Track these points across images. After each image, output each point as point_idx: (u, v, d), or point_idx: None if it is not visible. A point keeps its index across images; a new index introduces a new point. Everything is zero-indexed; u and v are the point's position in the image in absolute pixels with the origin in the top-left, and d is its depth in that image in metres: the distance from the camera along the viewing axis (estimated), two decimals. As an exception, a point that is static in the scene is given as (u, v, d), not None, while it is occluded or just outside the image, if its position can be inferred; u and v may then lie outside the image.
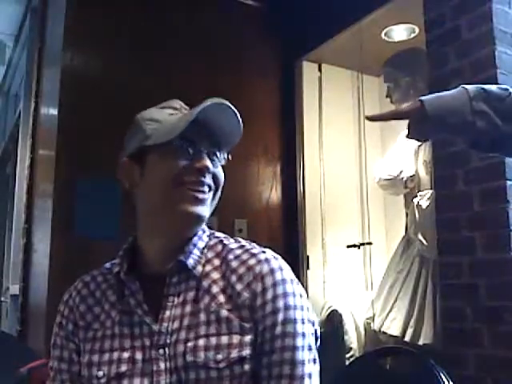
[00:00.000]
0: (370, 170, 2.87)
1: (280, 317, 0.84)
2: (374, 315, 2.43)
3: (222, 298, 0.87)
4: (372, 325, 2.43)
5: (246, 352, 0.83)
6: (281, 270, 0.88)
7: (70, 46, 2.44)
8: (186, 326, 0.86)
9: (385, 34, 2.75)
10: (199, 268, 0.90)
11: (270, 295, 0.85)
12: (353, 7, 2.52)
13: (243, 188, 2.73)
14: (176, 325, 0.86)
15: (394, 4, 2.38)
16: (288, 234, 2.83)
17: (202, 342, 0.84)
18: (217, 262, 0.91)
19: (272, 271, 0.87)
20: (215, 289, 0.88)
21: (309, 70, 3.01)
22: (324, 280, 2.84)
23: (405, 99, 2.58)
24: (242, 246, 0.92)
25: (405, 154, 2.60)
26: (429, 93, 2.03)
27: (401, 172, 2.59)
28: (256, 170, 2.81)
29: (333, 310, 2.67)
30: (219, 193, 0.94)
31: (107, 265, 1.02)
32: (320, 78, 3.05)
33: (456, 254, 1.86)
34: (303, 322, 0.85)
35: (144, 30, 2.59)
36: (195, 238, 0.92)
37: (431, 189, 2.27)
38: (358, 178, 2.93)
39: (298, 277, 0.97)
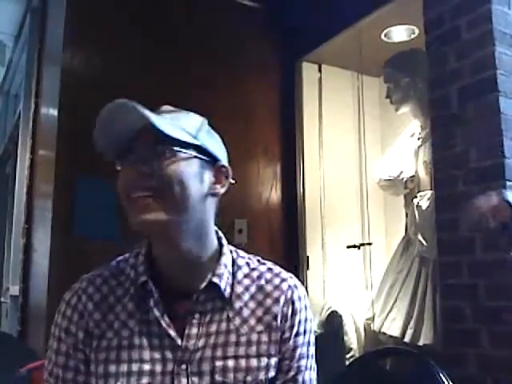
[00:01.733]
0: (370, 170, 2.87)
1: (301, 340, 0.92)
2: (373, 316, 2.44)
3: (253, 321, 0.89)
4: (372, 325, 2.43)
5: (272, 374, 0.88)
6: (305, 297, 0.95)
7: (70, 46, 2.44)
8: (213, 344, 0.87)
9: (385, 35, 2.75)
10: (228, 289, 0.90)
11: (297, 319, 0.92)
12: (353, 8, 2.52)
13: (243, 188, 2.73)
14: (202, 343, 0.87)
15: (394, 5, 2.38)
16: (288, 234, 2.83)
17: (231, 362, 0.86)
18: (247, 284, 0.92)
19: (300, 298, 0.93)
20: (246, 311, 0.90)
21: (309, 70, 3.02)
22: (324, 280, 2.84)
23: (405, 100, 2.59)
24: (271, 270, 0.95)
25: (405, 155, 2.61)
26: (429, 93, 2.02)
27: (401, 172, 2.59)
28: (256, 170, 2.81)
29: (333, 311, 2.67)
30: (176, 193, 0.85)
31: (116, 264, 0.99)
32: (320, 79, 3.05)
33: (456, 254, 1.86)
34: (313, 344, 0.95)
35: (144, 30, 2.59)
36: (223, 258, 0.92)
37: (431, 189, 2.28)
38: (358, 178, 2.94)
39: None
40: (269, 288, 0.92)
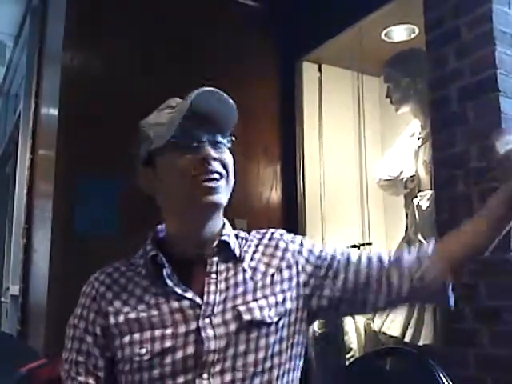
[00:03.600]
0: (370, 170, 2.87)
1: (314, 248, 1.05)
2: (373, 316, 2.43)
3: (263, 268, 1.00)
4: (372, 325, 2.43)
5: (289, 306, 0.97)
6: (293, 235, 1.10)
7: (70, 46, 2.44)
8: (232, 296, 0.95)
9: (385, 35, 2.75)
10: (237, 248, 1.00)
11: (300, 244, 1.06)
12: (353, 7, 2.52)
13: (243, 188, 2.73)
14: (222, 297, 0.94)
15: (394, 4, 2.38)
16: (288, 235, 2.83)
17: (253, 304, 0.94)
18: (248, 242, 1.04)
19: (291, 236, 1.09)
20: (255, 262, 1.00)
21: (309, 70, 3.02)
22: (324, 280, 2.83)
23: (405, 100, 2.59)
24: (259, 231, 1.08)
25: (405, 155, 2.60)
26: (429, 93, 2.03)
27: (401, 172, 2.59)
28: (256, 170, 2.81)
29: (333, 311, 2.67)
30: (232, 177, 0.99)
31: (126, 258, 1.06)
32: (320, 79, 3.05)
33: (456, 254, 1.86)
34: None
35: (144, 31, 2.59)
36: (227, 225, 1.03)
37: (431, 189, 2.28)
38: (358, 178, 2.93)
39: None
40: (266, 241, 1.05)
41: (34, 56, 3.07)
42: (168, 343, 0.90)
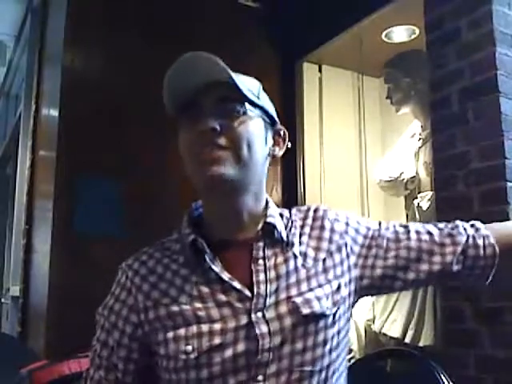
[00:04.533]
0: (371, 171, 2.87)
1: (361, 227, 0.96)
2: (374, 317, 2.43)
3: (313, 253, 0.90)
4: (372, 326, 2.42)
5: (345, 292, 0.90)
6: (336, 212, 1.00)
7: (70, 46, 2.44)
8: (286, 285, 0.86)
9: (385, 36, 2.75)
10: (283, 231, 0.90)
11: (346, 223, 0.96)
12: (353, 8, 2.52)
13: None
14: (274, 286, 0.85)
15: (394, 5, 2.38)
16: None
17: (309, 295, 0.86)
18: (294, 224, 0.94)
19: (335, 213, 0.98)
20: (304, 247, 0.91)
21: (309, 71, 3.02)
22: (324, 281, 2.83)
23: (405, 100, 2.59)
24: (300, 209, 1.00)
25: (405, 156, 2.60)
26: (429, 93, 2.02)
27: (401, 173, 2.59)
28: (256, 170, 2.81)
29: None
30: (246, 150, 0.86)
31: (159, 243, 0.98)
32: (320, 79, 3.05)
33: (456, 255, 1.86)
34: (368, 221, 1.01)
35: (144, 31, 2.59)
36: (271, 204, 0.94)
37: (432, 190, 2.28)
38: (359, 178, 2.93)
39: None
40: (310, 221, 0.95)
41: (34, 56, 3.07)
42: (217, 340, 0.81)
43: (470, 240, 0.94)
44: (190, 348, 0.81)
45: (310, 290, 0.86)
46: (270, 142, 0.93)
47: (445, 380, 1.18)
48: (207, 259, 0.86)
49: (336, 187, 2.96)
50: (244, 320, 0.82)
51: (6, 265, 4.07)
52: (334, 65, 3.05)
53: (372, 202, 2.86)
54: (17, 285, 2.97)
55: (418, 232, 0.95)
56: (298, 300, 0.84)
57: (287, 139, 0.97)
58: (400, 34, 2.74)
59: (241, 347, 0.81)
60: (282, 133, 0.96)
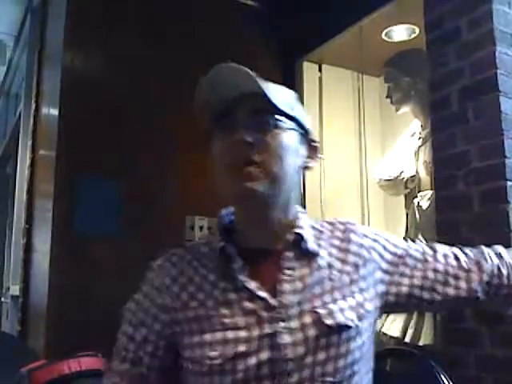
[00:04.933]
0: (371, 170, 2.87)
1: (388, 244, 0.97)
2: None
3: (339, 265, 0.91)
4: (372, 325, 2.42)
5: (370, 306, 0.90)
6: (365, 226, 1.01)
7: (70, 46, 2.44)
8: (310, 296, 0.87)
9: (385, 35, 2.75)
10: (311, 242, 0.91)
11: (374, 239, 0.96)
12: (353, 7, 2.52)
13: (243, 188, 2.73)
14: (298, 297, 0.86)
15: (395, 4, 2.38)
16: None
17: (333, 306, 0.86)
18: (322, 236, 0.94)
19: (364, 228, 0.98)
20: (330, 259, 0.91)
21: (309, 70, 3.02)
22: (324, 280, 2.83)
23: (405, 100, 2.59)
24: (332, 222, 0.99)
25: (405, 155, 2.60)
26: (429, 93, 2.02)
27: (401, 173, 2.59)
28: (256, 170, 2.81)
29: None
30: (279, 164, 0.86)
31: (189, 245, 0.99)
32: (320, 79, 3.05)
33: (456, 254, 1.86)
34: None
35: (144, 31, 2.59)
36: (302, 215, 0.95)
37: (431, 189, 2.27)
38: (359, 178, 2.93)
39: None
40: (339, 233, 0.95)
41: (34, 56, 3.06)
42: (242, 347, 0.82)
43: (495, 269, 0.96)
44: (215, 354, 0.83)
45: (335, 301, 0.87)
46: (303, 153, 0.93)
47: (445, 380, 1.18)
48: (235, 267, 0.87)
49: (336, 187, 2.96)
50: (268, 329, 0.84)
51: (6, 264, 4.08)
52: (334, 64, 3.06)
53: (372, 202, 2.85)
54: (17, 284, 2.97)
55: (445, 256, 0.97)
56: (322, 311, 0.85)
57: (319, 151, 0.97)
58: (400, 33, 2.74)
59: (264, 356, 0.82)
60: (315, 144, 0.96)
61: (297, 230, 0.90)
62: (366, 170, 2.91)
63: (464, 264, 0.96)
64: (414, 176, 2.52)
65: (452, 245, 1.01)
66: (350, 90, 3.03)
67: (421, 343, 2.17)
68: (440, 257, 0.96)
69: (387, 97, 2.68)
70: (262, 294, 0.85)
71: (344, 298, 0.88)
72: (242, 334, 0.83)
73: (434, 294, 0.94)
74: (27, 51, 3.48)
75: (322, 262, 0.90)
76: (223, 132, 0.87)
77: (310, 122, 0.96)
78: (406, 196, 2.64)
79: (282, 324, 0.84)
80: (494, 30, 1.82)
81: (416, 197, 2.46)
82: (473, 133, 1.85)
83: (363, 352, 0.88)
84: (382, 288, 0.93)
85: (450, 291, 0.94)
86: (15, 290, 3.07)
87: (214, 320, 0.85)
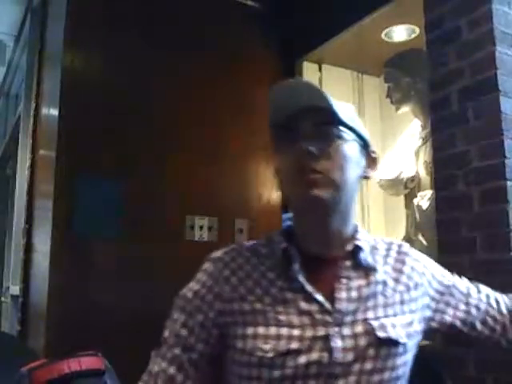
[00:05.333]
0: (371, 170, 2.86)
1: (437, 271, 1.04)
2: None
3: (392, 284, 0.95)
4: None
5: (417, 327, 0.95)
6: (419, 252, 1.05)
7: (70, 46, 2.44)
8: (364, 307, 0.90)
9: (385, 35, 2.75)
10: (369, 257, 0.95)
11: (425, 266, 1.02)
12: (353, 7, 2.52)
13: (243, 188, 2.73)
14: (353, 306, 0.90)
15: (394, 4, 2.37)
16: (288, 235, 2.83)
17: (385, 321, 0.90)
18: (379, 253, 0.98)
19: (418, 254, 1.03)
20: (385, 276, 0.95)
21: (309, 70, 3.01)
22: (324, 280, 2.83)
23: (405, 100, 2.59)
24: (389, 241, 1.03)
25: (405, 155, 2.60)
26: (429, 93, 2.02)
27: (401, 173, 2.59)
28: (256, 169, 2.81)
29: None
30: (342, 173, 0.90)
31: (247, 244, 1.01)
32: (320, 79, 3.05)
33: (456, 254, 1.86)
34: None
35: (144, 31, 2.59)
36: (360, 229, 0.99)
37: (431, 189, 2.27)
38: (359, 178, 2.93)
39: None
40: (394, 253, 0.99)
41: (34, 56, 3.07)
42: (294, 345, 0.85)
43: None
44: (267, 347, 0.86)
45: (386, 316, 0.91)
46: (363, 163, 0.97)
47: (445, 379, 1.18)
48: (295, 268, 0.91)
49: (336, 187, 2.95)
50: (321, 331, 0.87)
51: (6, 264, 4.08)
52: (334, 64, 3.05)
53: (372, 202, 2.85)
54: (17, 284, 2.97)
55: (487, 296, 1.03)
56: (374, 323, 0.89)
57: (379, 161, 1.01)
58: (400, 34, 2.74)
59: (314, 356, 0.85)
60: (374, 155, 1.00)
61: (356, 242, 0.94)
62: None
63: (503, 309, 1.02)
64: (414, 176, 2.52)
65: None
66: (350, 90, 3.03)
67: (420, 343, 2.17)
68: (483, 296, 1.03)
69: (387, 97, 2.68)
70: (319, 297, 0.89)
71: (395, 315, 0.92)
72: (296, 332, 0.86)
73: (471, 330, 1.00)
74: (27, 51, 3.48)
75: (377, 276, 0.94)
76: (288, 144, 0.92)
77: (367, 134, 0.99)
78: (406, 196, 2.64)
79: (335, 329, 0.87)
80: (494, 30, 1.82)
81: (416, 197, 2.46)
82: (473, 133, 1.85)
83: (406, 370, 0.92)
84: (427, 313, 0.98)
85: (486, 331, 1.00)
86: (15, 290, 3.07)
87: (269, 315, 0.88)
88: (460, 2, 1.94)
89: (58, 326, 2.17)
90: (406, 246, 1.03)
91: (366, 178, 0.98)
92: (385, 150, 3.02)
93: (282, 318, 0.88)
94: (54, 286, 2.20)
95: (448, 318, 0.99)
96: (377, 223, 2.96)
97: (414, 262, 1.00)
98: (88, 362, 0.91)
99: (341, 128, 0.91)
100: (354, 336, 0.87)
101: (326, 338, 0.86)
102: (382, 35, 2.74)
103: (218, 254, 0.98)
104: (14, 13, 3.62)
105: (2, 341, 2.18)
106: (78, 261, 2.26)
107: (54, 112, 2.45)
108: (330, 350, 0.85)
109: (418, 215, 2.39)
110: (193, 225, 2.52)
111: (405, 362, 0.91)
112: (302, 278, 0.90)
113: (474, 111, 1.86)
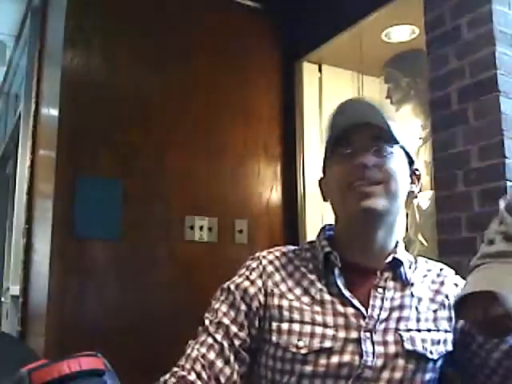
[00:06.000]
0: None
1: None
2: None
3: (427, 301, 0.97)
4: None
5: (450, 348, 0.95)
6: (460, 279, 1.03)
7: (70, 46, 2.44)
8: (396, 318, 0.93)
9: (385, 35, 2.75)
10: (407, 271, 0.98)
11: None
12: (353, 8, 2.52)
13: (243, 188, 2.73)
14: (385, 315, 0.92)
15: (394, 5, 2.37)
16: (289, 235, 2.83)
17: (415, 334, 0.92)
18: (418, 270, 1.01)
19: (459, 279, 1.03)
20: (421, 292, 0.97)
21: (309, 70, 3.02)
22: (324, 280, 2.83)
23: (405, 100, 2.59)
24: (429, 261, 1.06)
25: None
26: (429, 93, 2.02)
27: (401, 172, 2.59)
28: (256, 169, 2.81)
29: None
30: (394, 185, 0.95)
31: (289, 248, 1.06)
32: (320, 79, 3.05)
33: (456, 254, 1.86)
34: None
35: (144, 31, 2.59)
36: (400, 244, 1.01)
37: (431, 189, 2.27)
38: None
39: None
40: (434, 274, 1.02)
41: (34, 56, 3.06)
42: (327, 344, 0.89)
43: None
44: (301, 343, 0.89)
45: (418, 330, 0.93)
46: (409, 180, 1.01)
47: (445, 378, 1.18)
48: (335, 273, 0.95)
49: (336, 187, 2.95)
50: (354, 334, 0.90)
51: (6, 264, 4.08)
52: (334, 64, 3.05)
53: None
54: (17, 284, 2.97)
55: None
56: (405, 335, 0.91)
57: (421, 178, 1.05)
58: (400, 34, 2.74)
59: (346, 358, 0.88)
60: (417, 172, 1.04)
61: (396, 256, 0.97)
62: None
63: None
64: (414, 176, 2.52)
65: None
66: (350, 90, 3.03)
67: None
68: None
69: (387, 97, 2.68)
70: (355, 302, 0.92)
71: (428, 330, 0.93)
72: (329, 332, 0.90)
73: (493, 377, 0.92)
74: (27, 51, 3.48)
75: (414, 291, 0.96)
76: (342, 157, 0.96)
77: (412, 151, 1.05)
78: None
79: (367, 334, 0.90)
80: (494, 30, 1.82)
81: (416, 197, 2.46)
82: (473, 133, 1.85)
83: None
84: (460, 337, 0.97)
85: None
86: (15, 290, 3.07)
87: (306, 314, 0.92)
88: (460, 2, 1.94)
89: (58, 326, 2.17)
90: (448, 271, 1.05)
91: (411, 194, 1.01)
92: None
93: (318, 317, 0.91)
94: (53, 286, 2.20)
95: (475, 348, 0.93)
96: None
97: (452, 286, 1.00)
98: (88, 362, 0.90)
99: (394, 144, 0.96)
100: (384, 343, 0.90)
101: (358, 341, 0.89)
102: (382, 35, 2.75)
103: (263, 253, 1.03)
104: (14, 13, 3.62)
105: (1, 341, 2.17)
106: (77, 261, 2.26)
107: (54, 112, 2.45)
108: (360, 354, 0.88)
109: (417, 215, 2.39)
110: (193, 225, 2.52)
111: (432, 378, 0.92)
112: (340, 283, 0.94)
113: (474, 111, 1.86)
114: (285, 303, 0.94)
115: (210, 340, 0.93)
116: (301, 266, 0.99)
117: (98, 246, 2.32)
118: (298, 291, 0.95)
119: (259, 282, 0.97)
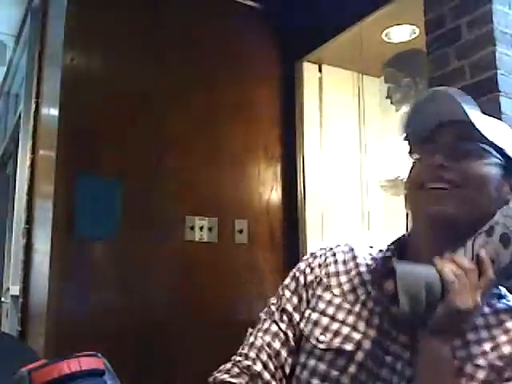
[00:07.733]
0: (371, 171, 2.87)
1: None
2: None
3: (476, 350, 0.81)
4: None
5: None
6: None
7: (70, 46, 2.44)
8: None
9: (385, 35, 2.75)
10: None
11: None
12: (353, 8, 2.52)
13: (243, 188, 2.73)
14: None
15: (395, 5, 2.38)
16: (289, 235, 2.83)
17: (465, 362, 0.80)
18: (487, 309, 0.85)
19: None
20: (473, 336, 0.82)
21: (309, 70, 3.02)
22: (324, 280, 2.83)
23: (405, 100, 2.59)
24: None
25: (405, 155, 2.60)
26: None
27: (401, 173, 2.59)
28: (256, 170, 2.81)
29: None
30: (471, 190, 0.82)
31: (355, 245, 1.02)
32: (320, 79, 3.05)
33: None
34: None
35: (144, 31, 2.59)
36: None
37: (431, 189, 2.27)
38: (359, 178, 2.93)
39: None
40: (509, 326, 0.83)
41: (34, 56, 3.06)
42: (348, 347, 0.84)
43: None
44: (322, 337, 0.86)
45: (464, 360, 0.80)
46: (506, 189, 0.86)
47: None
48: (387, 285, 0.86)
49: (336, 187, 2.96)
50: (380, 347, 0.83)
51: (6, 264, 4.08)
52: (334, 64, 3.05)
53: (372, 202, 2.85)
54: (17, 284, 2.97)
55: None
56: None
57: None
58: (400, 34, 2.74)
59: (365, 370, 0.82)
60: None
61: None
62: (366, 171, 2.91)
63: None
64: (414, 176, 2.52)
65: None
66: (350, 90, 3.03)
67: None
68: None
69: (387, 97, 2.68)
70: (394, 310, 0.83)
71: (477, 366, 0.79)
72: (356, 335, 0.85)
73: None
74: (27, 51, 3.48)
75: (477, 322, 0.82)
76: (423, 154, 0.89)
77: None
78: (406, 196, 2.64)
79: (397, 350, 0.82)
80: (494, 30, 1.82)
81: None
82: (473, 133, 1.85)
83: None
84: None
85: None
86: (15, 290, 3.07)
87: (340, 312, 0.88)
88: (460, 2, 1.94)
89: (58, 326, 2.17)
90: None
91: (506, 202, 0.85)
92: (385, 151, 3.02)
93: (351, 318, 0.87)
94: (53, 286, 2.20)
95: None
96: (377, 223, 2.96)
97: None
98: (88, 362, 0.90)
99: (480, 145, 0.84)
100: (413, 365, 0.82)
101: (388, 356, 0.82)
102: (383, 35, 2.75)
103: (332, 246, 1.00)
104: (14, 13, 3.62)
105: (1, 341, 2.17)
106: (77, 261, 2.26)
107: (54, 112, 2.45)
108: (380, 367, 0.82)
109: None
110: (193, 225, 2.52)
111: None
112: (390, 289, 0.85)
113: (474, 111, 1.86)
114: (326, 296, 0.91)
115: (274, 328, 0.91)
116: (365, 264, 0.94)
117: (97, 246, 2.32)
118: (346, 287, 0.91)
119: (317, 271, 0.95)
